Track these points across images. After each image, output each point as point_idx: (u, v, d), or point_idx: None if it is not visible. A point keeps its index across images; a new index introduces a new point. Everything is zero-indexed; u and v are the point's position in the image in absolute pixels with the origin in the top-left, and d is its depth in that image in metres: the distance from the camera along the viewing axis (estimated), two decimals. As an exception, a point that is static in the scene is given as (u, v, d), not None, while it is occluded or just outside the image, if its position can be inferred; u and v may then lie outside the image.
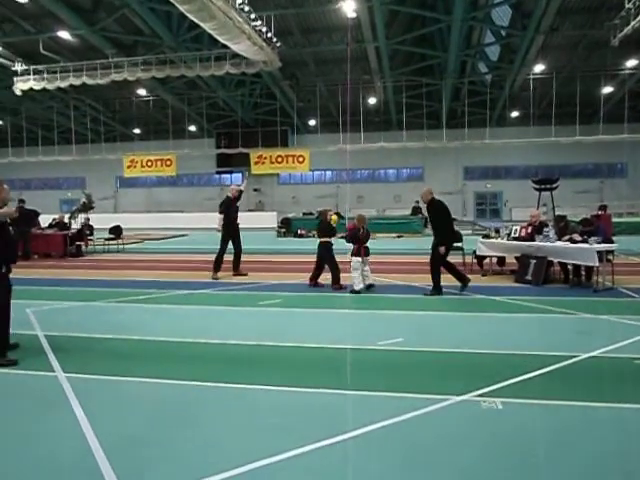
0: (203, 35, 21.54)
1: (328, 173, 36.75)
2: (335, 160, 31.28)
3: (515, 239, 10.14)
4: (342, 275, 9.18)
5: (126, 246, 17.51)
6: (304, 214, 26.30)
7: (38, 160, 32.63)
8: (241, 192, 11.30)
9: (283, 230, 24.35)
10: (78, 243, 15.66)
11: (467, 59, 26.44)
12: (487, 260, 10.67)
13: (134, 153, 32.35)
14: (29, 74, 24.55)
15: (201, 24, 16.68)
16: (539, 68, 25.60)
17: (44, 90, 26.00)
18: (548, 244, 9.24)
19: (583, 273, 9.14)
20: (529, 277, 9.35)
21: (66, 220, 16.47)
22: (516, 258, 10.19)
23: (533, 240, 9.62)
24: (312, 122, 33.52)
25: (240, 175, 35.78)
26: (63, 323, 6.77)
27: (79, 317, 7.20)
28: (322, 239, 9.41)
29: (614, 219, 20.46)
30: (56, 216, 16.98)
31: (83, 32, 22.38)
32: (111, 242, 16.91)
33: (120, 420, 3.75)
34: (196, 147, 33.11)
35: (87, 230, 16.25)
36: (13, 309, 5.30)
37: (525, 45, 22.56)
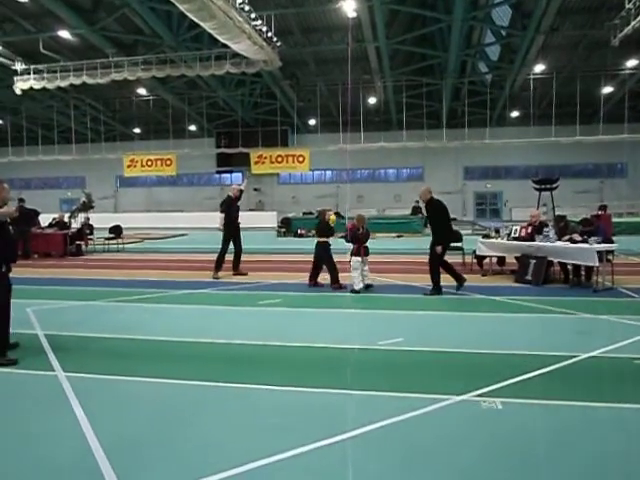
0: (203, 34, 21.53)
1: (328, 173, 36.75)
2: (335, 160, 31.27)
3: (515, 239, 10.14)
4: (342, 275, 9.18)
5: (126, 245, 17.51)
6: (304, 214, 26.32)
7: (38, 159, 32.64)
8: (242, 192, 11.32)
9: (283, 230, 24.36)
10: (78, 242, 15.67)
11: (467, 59, 26.44)
12: (487, 260, 10.67)
13: (134, 153, 32.36)
14: (29, 73, 24.56)
15: (201, 23, 16.67)
16: (539, 68, 25.59)
17: (44, 89, 26.00)
18: (548, 244, 9.24)
19: (583, 273, 9.13)
20: (529, 277, 9.34)
21: (66, 219, 16.49)
22: (516, 258, 10.19)
23: (533, 240, 9.62)
24: (312, 122, 33.51)
25: (240, 175, 35.79)
26: (63, 322, 6.77)
27: (79, 316, 7.20)
28: (320, 239, 9.41)
29: (614, 219, 20.46)
30: (56, 215, 16.99)
31: (83, 31, 22.38)
32: (111, 241, 16.91)
33: (120, 420, 3.75)
34: (196, 147, 33.12)
35: (87, 229, 16.26)
36: (13, 308, 5.30)
37: (525, 45, 22.56)
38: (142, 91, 30.40)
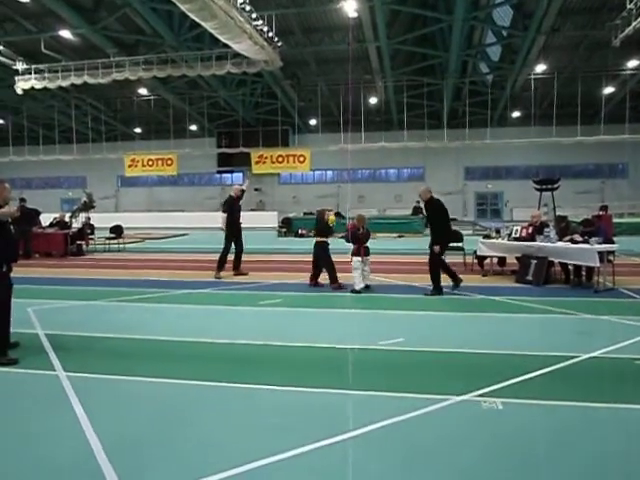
0: (204, 34, 21.52)
1: (329, 173, 36.74)
2: (336, 160, 31.24)
3: (516, 239, 10.14)
4: (342, 275, 9.18)
5: (127, 245, 17.52)
6: (305, 214, 26.30)
7: (39, 159, 32.64)
8: (243, 192, 11.35)
9: (284, 230, 24.37)
10: (79, 242, 15.68)
11: (468, 59, 26.41)
12: (488, 260, 10.67)
13: (135, 152, 32.34)
14: (30, 73, 24.54)
15: (202, 23, 16.67)
16: (540, 68, 25.56)
17: (45, 89, 25.99)
18: (549, 244, 9.24)
19: (584, 273, 9.13)
20: (530, 277, 9.34)
21: (67, 219, 16.50)
22: (517, 258, 10.19)
23: (534, 240, 9.62)
24: (313, 122, 33.50)
25: (241, 175, 35.81)
26: (64, 322, 6.78)
27: (80, 316, 7.21)
28: (318, 239, 9.41)
29: (615, 219, 20.45)
30: (57, 215, 17.01)
31: (84, 31, 22.38)
32: (112, 241, 16.92)
33: (121, 419, 3.76)
34: (197, 146, 33.12)
35: (88, 229, 16.26)
36: (14, 308, 5.31)
37: (526, 45, 22.54)
38: (143, 91, 30.40)
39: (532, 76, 26.09)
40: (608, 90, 27.18)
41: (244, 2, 17.52)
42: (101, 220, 19.29)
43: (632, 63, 24.51)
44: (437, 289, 8.44)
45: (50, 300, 8.23)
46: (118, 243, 16.97)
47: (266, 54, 20.69)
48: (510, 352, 5.26)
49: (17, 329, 5.52)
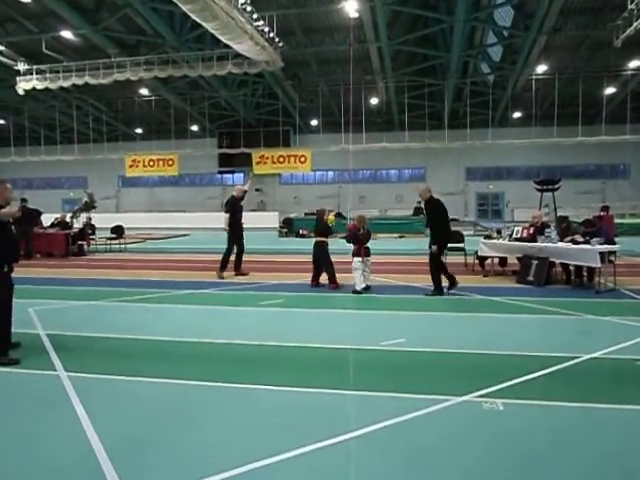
0: (205, 35, 21.52)
1: (330, 173, 36.73)
2: (337, 160, 31.24)
3: (517, 240, 10.14)
4: (343, 275, 9.18)
5: (128, 246, 17.53)
6: (306, 214, 26.31)
7: (40, 159, 32.67)
8: (245, 192, 11.40)
9: (285, 230, 24.39)
10: (80, 242, 15.69)
11: (469, 59, 26.40)
12: (489, 261, 10.67)
13: (136, 153, 32.36)
14: (32, 74, 24.58)
15: (203, 24, 16.68)
16: (541, 69, 25.56)
17: (47, 90, 26.03)
18: (550, 245, 9.24)
19: (585, 274, 9.13)
20: (531, 278, 9.34)
21: (68, 219, 16.51)
22: (518, 259, 10.18)
23: (535, 241, 9.62)
24: (314, 122, 33.49)
25: (242, 175, 35.83)
26: (65, 322, 6.79)
27: (81, 316, 7.21)
28: (318, 238, 9.41)
29: (616, 220, 20.42)
30: (58, 215, 17.01)
31: (86, 32, 22.40)
32: (113, 242, 16.93)
33: (122, 419, 3.76)
34: (198, 147, 33.13)
35: (89, 229, 16.28)
36: (15, 308, 5.32)
37: (527, 46, 22.53)
38: (144, 91, 30.43)
39: (533, 76, 26.08)
40: (609, 90, 27.15)
41: (245, 3, 17.54)
42: (102, 220, 19.31)
43: (633, 63, 24.48)
44: (438, 289, 8.44)
45: (51, 300, 8.24)
46: (119, 243, 16.98)
47: (267, 54, 20.71)
48: (511, 352, 5.25)
49: (18, 329, 5.53)
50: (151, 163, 31.55)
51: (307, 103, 31.24)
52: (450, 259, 10.99)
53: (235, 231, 10.81)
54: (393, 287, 9.36)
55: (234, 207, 10.91)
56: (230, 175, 38.03)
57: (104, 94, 31.22)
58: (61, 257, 14.73)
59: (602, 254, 8.30)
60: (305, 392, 4.24)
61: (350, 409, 3.84)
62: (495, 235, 10.89)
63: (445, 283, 8.59)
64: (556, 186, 19.32)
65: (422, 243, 9.05)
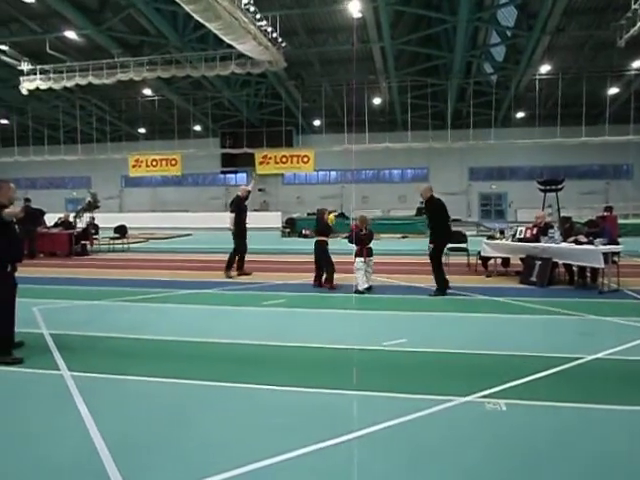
0: (209, 35, 21.56)
1: (333, 173, 36.73)
2: (340, 160, 31.30)
3: (520, 240, 10.12)
4: (345, 275, 9.18)
5: (131, 245, 17.57)
6: (309, 214, 26.32)
7: (44, 159, 32.77)
8: (249, 192, 11.44)
9: (288, 230, 24.41)
10: (83, 242, 15.74)
11: (472, 59, 26.37)
12: (492, 261, 10.65)
13: (139, 153, 32.41)
14: (35, 74, 24.66)
15: (207, 24, 16.70)
16: (545, 69, 25.51)
17: (50, 90, 26.10)
18: (553, 245, 9.22)
19: (588, 275, 9.11)
20: (534, 278, 9.32)
21: (71, 219, 16.54)
22: (521, 259, 10.16)
23: (538, 241, 9.60)
24: (317, 122, 33.50)
25: (245, 175, 35.88)
26: (68, 322, 6.80)
27: (84, 316, 7.23)
28: (318, 238, 9.41)
29: (620, 220, 20.36)
30: (61, 215, 17.05)
31: (89, 32, 22.47)
32: (116, 241, 16.98)
33: (125, 419, 3.77)
34: (201, 147, 33.18)
35: (92, 229, 16.32)
36: (19, 307, 5.33)
37: (531, 46, 22.49)
38: (147, 91, 30.48)
39: (536, 76, 26.04)
40: (613, 90, 27.08)
41: (248, 3, 17.57)
42: (105, 220, 19.33)
43: (637, 63, 24.40)
44: (440, 290, 8.43)
45: (55, 300, 8.26)
46: (122, 243, 17.02)
47: (270, 55, 20.73)
48: (514, 353, 5.24)
49: (22, 328, 5.55)
50: (154, 163, 31.60)
51: (310, 103, 31.24)
52: (453, 259, 11.00)
53: (239, 231, 10.85)
54: (395, 287, 9.36)
55: (239, 206, 10.96)
56: (233, 175, 38.10)
57: (107, 94, 31.28)
58: (64, 257, 14.76)
59: (605, 255, 8.28)
60: (308, 392, 4.24)
61: (352, 409, 3.84)
62: (498, 235, 10.87)
63: (431, 284, 8.61)
64: (559, 186, 19.23)
65: (425, 243, 9.05)
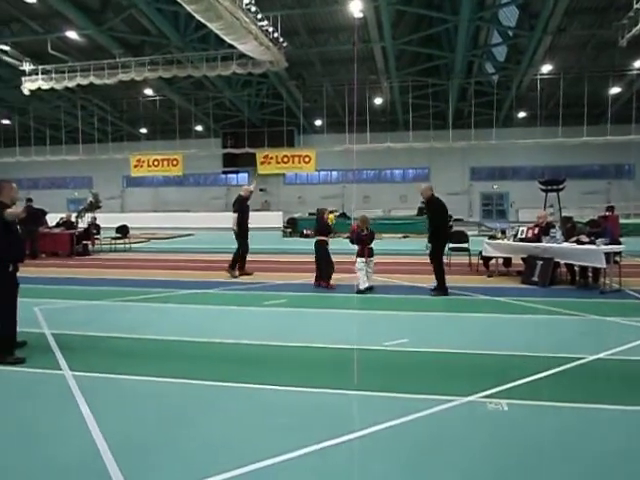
0: (210, 35, 21.58)
1: (334, 173, 36.73)
2: (341, 160, 31.31)
3: (522, 240, 10.11)
4: (346, 275, 9.18)
5: (132, 245, 17.58)
6: (310, 214, 26.31)
7: (46, 159, 32.80)
8: (251, 192, 11.46)
9: (289, 230, 24.42)
10: (85, 242, 15.75)
11: (474, 59, 26.35)
12: (493, 261, 10.65)
13: (141, 153, 32.42)
14: (37, 74, 24.69)
15: (208, 24, 16.71)
16: (546, 68, 25.48)
17: (52, 90, 26.14)
18: (555, 245, 9.21)
19: (590, 274, 9.10)
20: (535, 278, 9.31)
21: (73, 219, 16.57)
22: (522, 259, 10.15)
23: (540, 241, 9.59)
24: (318, 122, 33.51)
25: (246, 175, 35.89)
26: (70, 321, 6.81)
27: (86, 316, 7.24)
28: (318, 238, 9.42)
29: (621, 220, 20.36)
30: (63, 215, 17.09)
31: (91, 32, 22.49)
32: (118, 241, 17.00)
33: (127, 419, 3.77)
34: (203, 147, 33.18)
35: (94, 229, 16.33)
36: (21, 307, 5.34)
37: (532, 45, 22.47)
38: (149, 91, 30.51)
39: (538, 76, 26.01)
40: (615, 90, 27.05)
41: (250, 3, 17.56)
42: (107, 220, 19.34)
43: (639, 63, 24.37)
44: (442, 289, 8.42)
45: (56, 300, 8.27)
46: (124, 243, 17.04)
47: (271, 55, 20.73)
48: (515, 353, 5.24)
49: (24, 328, 5.55)
50: (156, 163, 31.61)
51: (311, 103, 31.25)
52: (454, 259, 11.00)
53: (241, 231, 10.87)
54: (397, 287, 9.35)
55: (242, 207, 10.97)
56: (234, 175, 38.12)
57: (109, 94, 31.33)
58: (66, 257, 14.78)
59: (607, 254, 8.26)
60: (309, 392, 4.24)
61: (354, 409, 3.85)
62: (499, 235, 10.86)
63: (433, 283, 8.61)
64: (561, 186, 19.24)
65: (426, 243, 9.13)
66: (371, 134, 27.83)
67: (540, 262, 9.35)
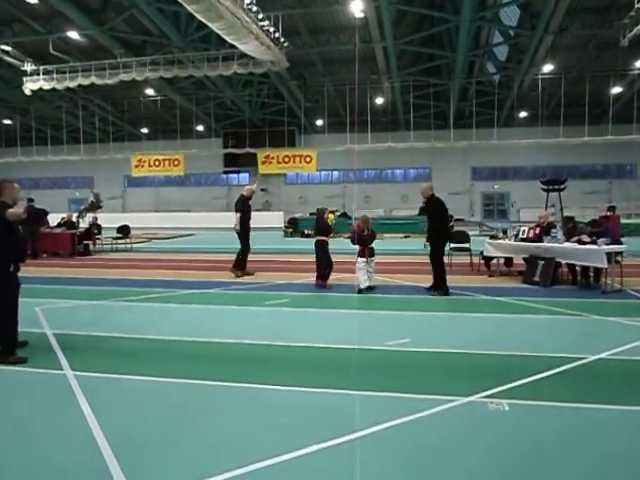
0: (211, 35, 21.58)
1: (335, 173, 36.72)
2: (342, 160, 31.28)
3: (523, 240, 10.10)
4: (347, 275, 9.17)
5: (134, 245, 17.60)
6: (311, 214, 26.30)
7: (47, 159, 32.82)
8: (253, 192, 11.47)
9: (290, 230, 24.42)
10: (86, 242, 15.76)
11: (475, 59, 26.33)
12: (494, 261, 10.64)
13: (142, 153, 32.44)
14: (38, 74, 24.70)
15: (209, 24, 16.71)
16: (548, 68, 25.44)
17: (53, 90, 26.15)
18: (556, 245, 9.20)
19: (591, 274, 9.09)
20: (537, 278, 9.30)
21: (74, 219, 16.58)
22: (524, 259, 10.15)
23: (541, 241, 9.58)
24: (319, 122, 33.50)
25: (247, 175, 35.90)
26: (71, 321, 6.82)
27: (87, 315, 7.25)
28: (319, 238, 9.42)
29: (623, 220, 20.34)
30: (64, 215, 17.10)
31: (92, 32, 22.50)
32: (119, 241, 17.01)
33: (128, 418, 3.77)
34: (204, 147, 33.18)
35: (95, 229, 16.34)
36: (22, 307, 5.35)
37: (534, 45, 22.44)
38: (150, 91, 30.51)
39: (539, 76, 25.97)
40: (616, 90, 27.00)
41: (251, 3, 17.56)
42: (108, 220, 19.35)
43: (640, 63, 24.36)
44: (443, 289, 8.42)
45: (58, 299, 8.28)
46: (125, 243, 17.05)
47: (272, 55, 20.73)
48: (517, 353, 5.24)
49: (25, 328, 5.56)
50: (157, 163, 31.63)
51: (312, 103, 31.26)
52: (455, 259, 10.99)
53: (243, 231, 10.87)
54: (398, 287, 9.35)
55: (244, 207, 10.98)
56: (235, 175, 38.12)
57: (110, 94, 31.35)
58: (67, 257, 14.79)
59: (609, 254, 8.26)
60: (311, 392, 4.24)
61: (355, 409, 3.84)
62: (501, 235, 10.85)
63: (429, 283, 8.61)
64: (562, 186, 19.27)
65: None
66: (372, 134, 27.83)
67: (541, 262, 9.34)
